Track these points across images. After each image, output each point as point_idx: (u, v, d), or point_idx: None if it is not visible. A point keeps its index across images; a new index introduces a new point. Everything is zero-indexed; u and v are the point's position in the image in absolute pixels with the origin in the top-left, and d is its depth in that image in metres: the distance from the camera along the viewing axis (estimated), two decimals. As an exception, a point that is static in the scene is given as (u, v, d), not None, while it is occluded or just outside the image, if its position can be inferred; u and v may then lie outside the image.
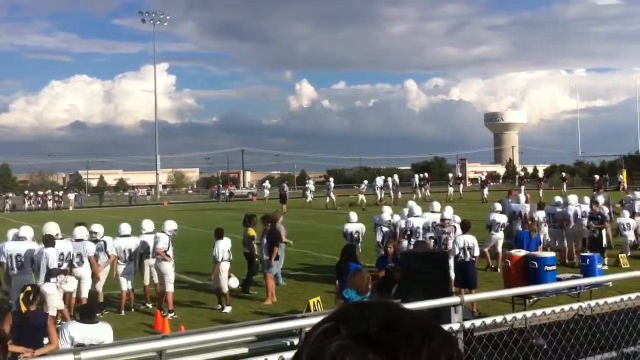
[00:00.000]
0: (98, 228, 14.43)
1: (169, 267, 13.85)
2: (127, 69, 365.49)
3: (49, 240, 12.35)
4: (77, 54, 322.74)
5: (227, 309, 13.74)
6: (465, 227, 14.27)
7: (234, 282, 14.47)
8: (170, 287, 13.78)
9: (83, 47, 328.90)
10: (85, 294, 13.19)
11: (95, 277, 13.59)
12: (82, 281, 13.17)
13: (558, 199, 20.42)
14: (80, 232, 13.72)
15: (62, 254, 12.46)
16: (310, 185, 52.30)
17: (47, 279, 11.95)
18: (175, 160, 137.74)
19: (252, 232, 16.13)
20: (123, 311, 13.85)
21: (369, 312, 0.94)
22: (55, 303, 11.89)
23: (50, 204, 65.77)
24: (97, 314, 12.21)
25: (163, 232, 14.33)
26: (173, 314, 13.42)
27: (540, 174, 65.58)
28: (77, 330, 8.13)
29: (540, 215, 18.91)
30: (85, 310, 8.77)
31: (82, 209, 62.53)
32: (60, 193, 73.17)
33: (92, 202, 74.55)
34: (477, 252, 13.76)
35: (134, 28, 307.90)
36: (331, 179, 51.79)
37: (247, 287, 15.49)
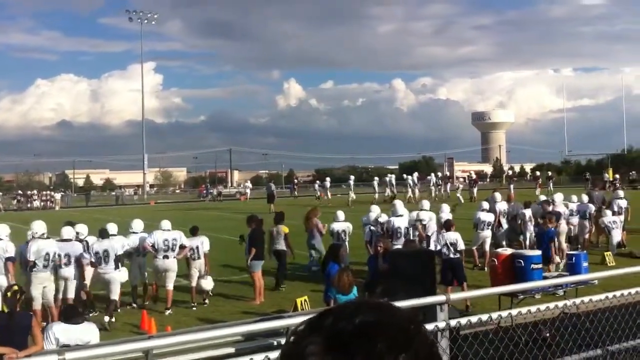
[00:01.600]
0: (82, 228, 14.38)
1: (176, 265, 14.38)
2: (113, 68, 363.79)
3: (106, 234, 13.98)
4: (63, 52, 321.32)
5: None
6: (448, 226, 14.38)
7: (208, 284, 14.66)
8: (172, 285, 14.22)
9: (69, 46, 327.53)
10: (71, 295, 13.11)
11: (82, 278, 13.51)
12: (68, 281, 13.09)
13: (543, 198, 20.53)
14: (68, 232, 13.66)
15: (47, 253, 12.43)
16: (327, 182, 52.36)
17: (116, 267, 13.46)
18: (162, 160, 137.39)
19: (285, 229, 16.52)
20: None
21: (348, 314, 0.94)
22: (118, 289, 13.53)
23: (36, 203, 65.48)
24: (90, 314, 12.39)
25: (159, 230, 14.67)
26: (171, 310, 13.77)
27: (529, 173, 66.06)
28: (63, 331, 8.08)
29: (527, 213, 18.96)
30: (69, 310, 8.71)
31: (68, 208, 62.18)
32: (54, 193, 72.88)
33: (78, 202, 74.15)
34: (460, 247, 13.87)
35: (120, 27, 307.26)
36: (352, 177, 53.22)
37: (279, 283, 15.96)
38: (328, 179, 55.98)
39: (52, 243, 12.83)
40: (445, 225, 14.53)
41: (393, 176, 51.88)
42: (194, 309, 14.17)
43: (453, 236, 13.89)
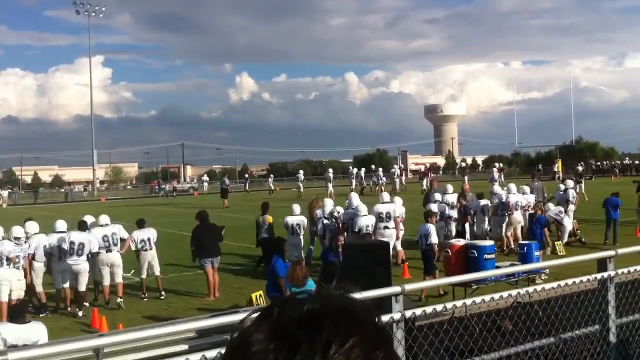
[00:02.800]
0: (31, 225, 14.03)
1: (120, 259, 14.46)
2: (60, 62, 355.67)
3: (84, 226, 14.25)
4: (8, 46, 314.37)
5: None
6: (427, 217, 14.71)
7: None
8: (121, 278, 14.31)
9: (14, 40, 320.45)
10: (14, 295, 12.76)
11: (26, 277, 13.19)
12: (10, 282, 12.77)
13: (497, 188, 20.82)
14: (16, 231, 13.38)
15: None
16: (330, 174, 51.00)
17: (87, 260, 13.71)
18: (112, 155, 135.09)
19: (270, 219, 17.10)
20: (59, 310, 13.50)
21: (296, 302, 0.91)
22: (85, 281, 13.77)
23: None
24: (41, 315, 12.17)
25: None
26: (122, 299, 13.92)
27: (481, 165, 67.00)
28: (9, 332, 7.87)
29: (482, 204, 19.23)
30: (15, 310, 8.47)
31: (16, 206, 60.70)
32: (0, 191, 71.04)
33: (26, 199, 72.46)
34: (434, 240, 14.13)
35: (67, 20, 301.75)
36: (360, 169, 53.26)
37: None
38: (331, 170, 53.38)
39: None
40: (425, 216, 14.87)
41: (363, 170, 52.31)
42: (145, 300, 14.37)
43: (428, 227, 14.33)
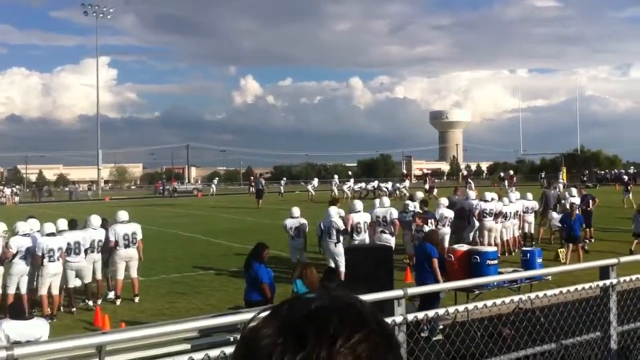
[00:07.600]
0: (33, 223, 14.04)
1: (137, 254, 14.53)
2: (66, 62, 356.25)
3: (75, 224, 14.30)
4: (13, 45, 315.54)
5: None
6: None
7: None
8: (136, 273, 14.50)
9: (19, 39, 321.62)
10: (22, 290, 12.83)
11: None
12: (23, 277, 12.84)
13: (472, 194, 20.92)
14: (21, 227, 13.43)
15: None
16: (335, 179, 52.08)
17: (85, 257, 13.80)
18: (117, 156, 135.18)
19: None
20: (62, 308, 13.52)
21: (304, 300, 0.96)
22: (90, 275, 13.98)
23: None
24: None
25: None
26: (138, 297, 14.15)
27: (485, 172, 66.92)
28: (12, 328, 7.88)
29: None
30: (15, 306, 8.49)
31: (20, 204, 60.89)
32: (5, 188, 71.37)
33: (30, 197, 72.64)
34: None
35: (72, 20, 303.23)
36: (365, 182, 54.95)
37: None
38: (336, 175, 54.49)
39: None
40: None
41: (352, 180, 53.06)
42: (151, 299, 14.10)
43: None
